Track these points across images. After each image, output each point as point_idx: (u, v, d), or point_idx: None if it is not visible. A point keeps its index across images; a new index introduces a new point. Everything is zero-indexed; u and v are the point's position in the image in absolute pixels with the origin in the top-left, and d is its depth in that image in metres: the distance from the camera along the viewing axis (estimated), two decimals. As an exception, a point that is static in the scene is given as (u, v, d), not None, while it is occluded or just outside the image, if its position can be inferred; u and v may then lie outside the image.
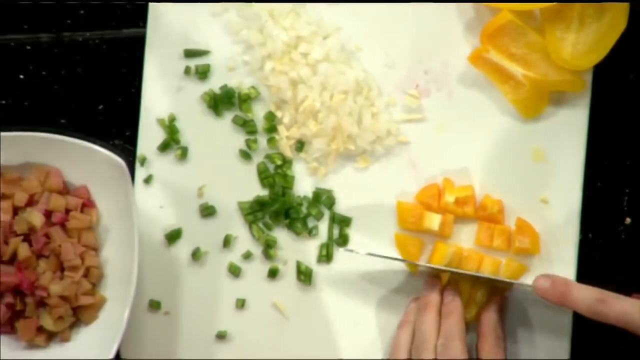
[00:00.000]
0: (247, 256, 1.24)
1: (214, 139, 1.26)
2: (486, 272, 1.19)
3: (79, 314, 1.22)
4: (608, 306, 1.05)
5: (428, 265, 1.18)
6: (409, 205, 1.22)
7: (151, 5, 1.26)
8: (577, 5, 1.19)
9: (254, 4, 1.24)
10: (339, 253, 1.23)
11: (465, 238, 1.22)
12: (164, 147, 1.25)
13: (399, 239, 1.21)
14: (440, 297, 1.18)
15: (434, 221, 1.20)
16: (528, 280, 1.18)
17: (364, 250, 1.20)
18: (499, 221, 1.20)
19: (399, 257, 1.20)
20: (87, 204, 1.24)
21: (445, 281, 1.19)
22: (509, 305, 1.21)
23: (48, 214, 1.22)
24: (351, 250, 1.20)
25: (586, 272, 1.19)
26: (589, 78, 1.22)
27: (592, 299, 1.06)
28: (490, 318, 1.17)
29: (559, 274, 1.18)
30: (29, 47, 1.28)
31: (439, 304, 1.17)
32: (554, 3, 1.17)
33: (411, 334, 1.17)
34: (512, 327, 1.22)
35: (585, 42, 1.19)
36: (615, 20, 1.17)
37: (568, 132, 1.22)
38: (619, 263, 1.20)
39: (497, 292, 1.19)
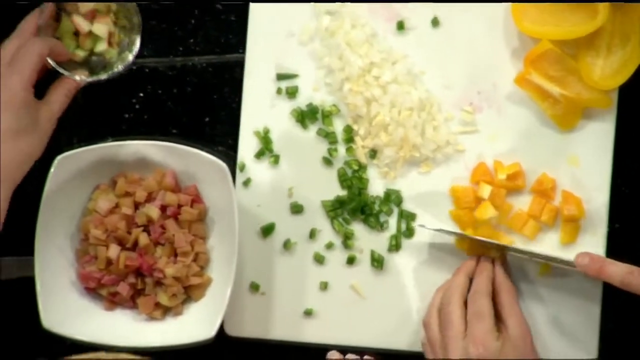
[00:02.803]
0: (330, 246, 1.33)
1: (301, 148, 1.34)
2: (527, 233, 1.28)
3: (190, 292, 1.30)
4: (636, 277, 1.14)
5: (481, 238, 1.27)
6: (462, 187, 1.31)
7: (249, 35, 1.33)
8: (606, 35, 1.26)
9: (335, 36, 1.31)
10: (406, 244, 1.32)
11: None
12: (260, 155, 1.33)
13: (454, 213, 1.31)
14: (475, 264, 1.28)
15: (485, 191, 1.29)
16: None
17: (434, 226, 1.29)
18: (551, 197, 1.29)
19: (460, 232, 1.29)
20: (196, 200, 1.31)
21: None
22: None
23: (163, 209, 1.30)
24: (423, 226, 1.30)
25: (613, 256, 1.24)
26: (615, 96, 1.30)
27: (623, 272, 1.15)
28: (500, 274, 1.27)
29: None
30: (147, 70, 1.35)
31: (471, 270, 1.28)
32: (587, 34, 1.25)
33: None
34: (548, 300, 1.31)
35: (612, 66, 1.28)
36: (638, 48, 1.26)
37: (598, 142, 1.30)
38: (640, 248, 1.30)
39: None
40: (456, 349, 1.18)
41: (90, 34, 1.30)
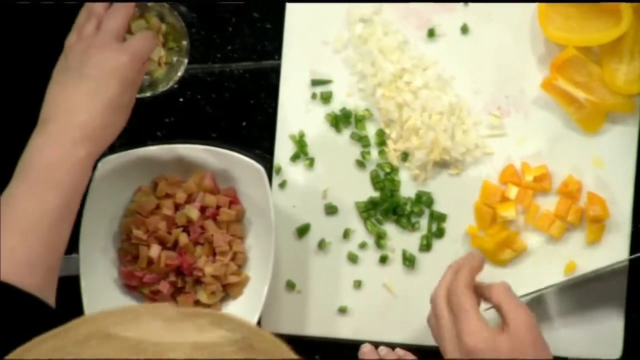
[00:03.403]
0: (363, 246, 1.36)
1: (335, 151, 1.36)
2: (554, 232, 1.31)
3: (228, 290, 1.33)
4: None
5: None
6: (493, 184, 1.34)
7: (285, 42, 1.35)
8: (629, 42, 1.28)
9: (367, 43, 1.34)
10: (436, 243, 1.34)
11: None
12: (295, 158, 1.36)
13: (478, 205, 1.34)
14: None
15: (511, 192, 1.32)
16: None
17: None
18: (577, 198, 1.32)
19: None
20: (234, 202, 1.33)
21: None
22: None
23: (203, 210, 1.32)
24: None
25: (636, 252, 1.30)
26: (638, 101, 1.32)
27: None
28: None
29: (616, 256, 1.32)
30: (186, 76, 1.37)
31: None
32: (610, 41, 1.28)
33: None
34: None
35: (635, 72, 1.30)
36: None
37: (621, 144, 1.33)
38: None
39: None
40: (449, 344, 1.14)
41: None
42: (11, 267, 1.07)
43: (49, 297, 1.11)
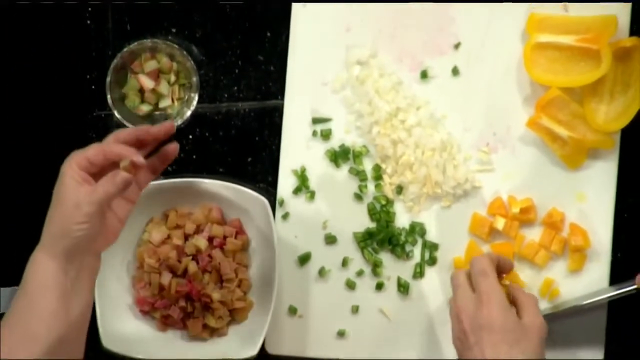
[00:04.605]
0: (360, 273, 1.41)
1: (335, 185, 1.41)
2: (538, 261, 1.35)
3: (234, 314, 1.39)
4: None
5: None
6: (481, 216, 1.39)
7: (287, 83, 1.41)
8: (609, 83, 1.33)
9: (364, 84, 1.39)
10: (429, 271, 1.39)
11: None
12: (297, 191, 1.41)
13: (471, 244, 1.39)
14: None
15: (499, 223, 1.37)
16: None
17: None
18: (560, 229, 1.37)
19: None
20: (240, 232, 1.39)
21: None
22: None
23: (210, 240, 1.38)
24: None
25: (616, 280, 1.37)
26: (617, 138, 1.37)
27: None
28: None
29: (597, 281, 1.37)
30: (196, 115, 1.41)
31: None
32: (592, 82, 1.32)
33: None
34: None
35: (615, 111, 1.35)
36: (637, 95, 1.33)
37: (602, 179, 1.38)
38: (641, 273, 1.37)
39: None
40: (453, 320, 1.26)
41: (154, 90, 1.40)
42: None
43: None
